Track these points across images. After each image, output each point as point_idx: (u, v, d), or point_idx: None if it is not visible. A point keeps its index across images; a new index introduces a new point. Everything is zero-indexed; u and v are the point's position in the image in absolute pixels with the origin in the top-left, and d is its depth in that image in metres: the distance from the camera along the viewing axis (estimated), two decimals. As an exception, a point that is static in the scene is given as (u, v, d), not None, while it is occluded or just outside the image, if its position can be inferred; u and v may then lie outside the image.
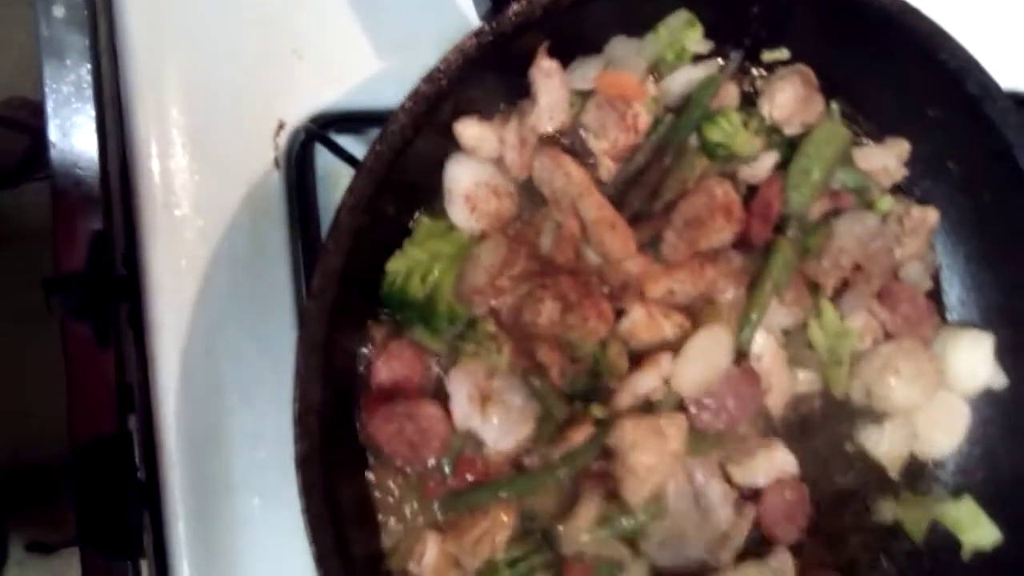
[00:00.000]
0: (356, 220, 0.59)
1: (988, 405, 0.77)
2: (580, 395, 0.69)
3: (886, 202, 0.76)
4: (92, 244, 0.86)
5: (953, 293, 0.80)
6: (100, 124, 0.88)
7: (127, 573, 0.84)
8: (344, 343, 0.66)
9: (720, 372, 0.70)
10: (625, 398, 0.68)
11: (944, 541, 0.75)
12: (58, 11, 0.92)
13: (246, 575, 0.75)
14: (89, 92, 0.90)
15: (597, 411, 0.68)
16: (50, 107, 0.91)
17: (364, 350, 0.68)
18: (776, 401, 0.73)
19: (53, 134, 0.91)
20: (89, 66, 0.91)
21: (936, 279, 0.80)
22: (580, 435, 0.67)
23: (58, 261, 0.89)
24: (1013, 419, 0.76)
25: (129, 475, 0.82)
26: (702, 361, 0.69)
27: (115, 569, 0.85)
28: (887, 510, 0.76)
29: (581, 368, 0.69)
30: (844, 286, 0.75)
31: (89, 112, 0.89)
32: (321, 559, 0.61)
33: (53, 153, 0.91)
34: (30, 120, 1.97)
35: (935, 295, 0.80)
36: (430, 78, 0.60)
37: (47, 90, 0.91)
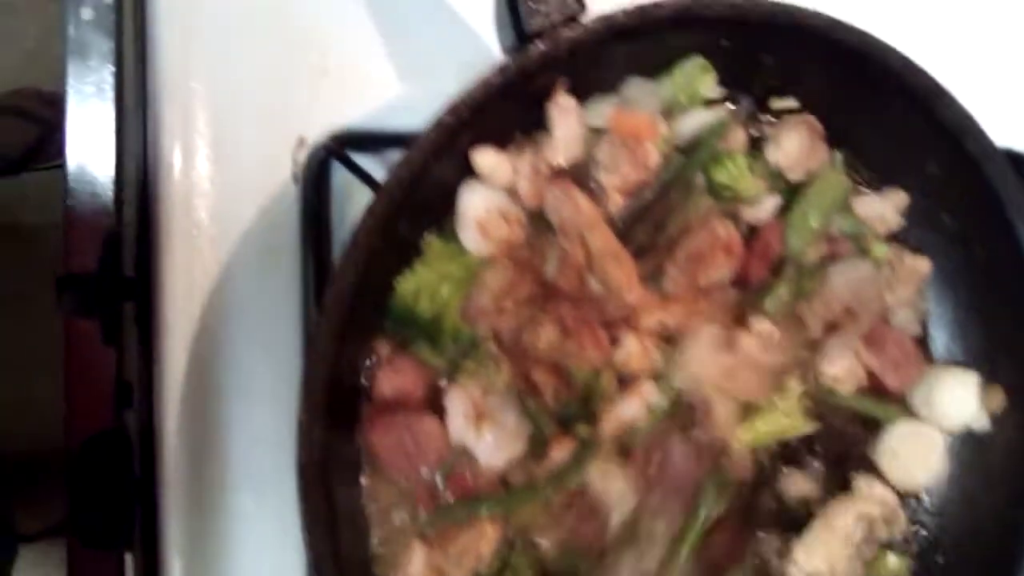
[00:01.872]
0: (373, 241, 0.61)
1: (968, 450, 0.80)
2: (571, 418, 0.71)
3: (881, 249, 0.79)
4: (105, 244, 0.88)
5: (940, 340, 0.82)
6: (119, 127, 0.90)
7: (113, 564, 0.86)
8: (350, 356, 0.67)
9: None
10: (610, 424, 0.70)
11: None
12: (86, 13, 0.94)
13: (236, 569, 0.77)
14: (110, 95, 0.92)
15: (582, 431, 0.70)
16: (71, 107, 0.92)
17: (368, 362, 0.70)
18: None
19: (71, 133, 0.92)
20: (112, 68, 0.93)
21: (924, 325, 0.82)
22: (560, 453, 0.69)
23: (69, 259, 0.90)
24: (991, 465, 0.78)
25: (125, 469, 0.83)
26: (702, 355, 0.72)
27: (102, 560, 0.87)
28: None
29: (574, 393, 0.71)
30: (832, 328, 0.77)
31: (109, 114, 0.91)
32: (317, 563, 0.62)
33: (69, 152, 0.93)
34: (40, 111, 1.98)
35: (923, 341, 0.82)
36: (453, 110, 0.62)
37: (69, 90, 0.93)
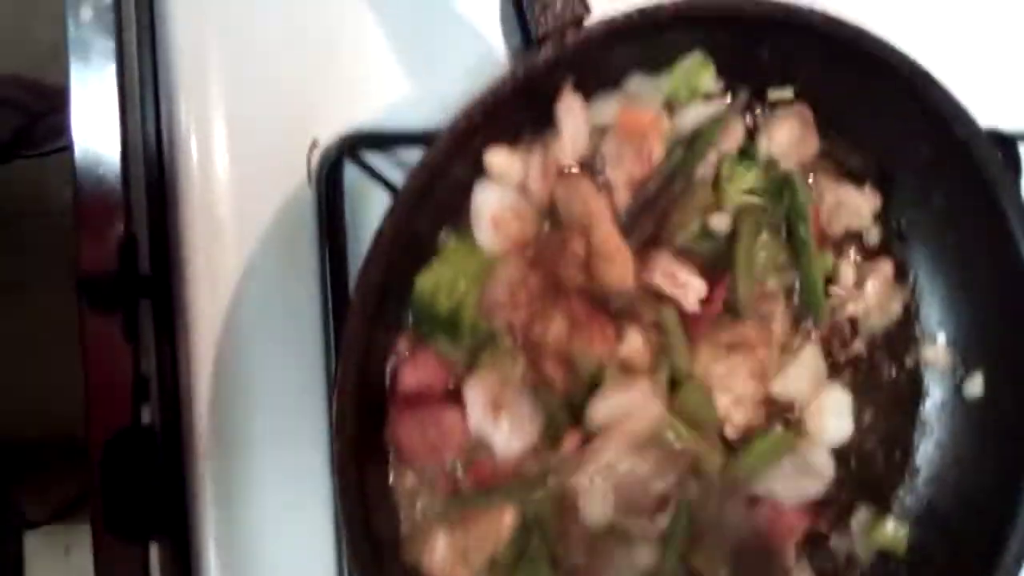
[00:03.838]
0: (394, 242, 0.64)
1: (962, 419, 0.84)
2: (578, 408, 0.74)
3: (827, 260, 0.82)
4: (121, 244, 0.90)
5: (931, 315, 0.86)
6: (123, 129, 0.91)
7: (138, 554, 0.89)
8: (376, 354, 0.70)
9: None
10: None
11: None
12: (86, 14, 0.95)
13: (268, 554, 0.81)
14: (115, 95, 0.93)
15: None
16: (74, 109, 0.94)
17: (391, 360, 0.73)
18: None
19: (77, 140, 0.94)
20: (114, 66, 0.94)
21: (915, 303, 0.86)
22: (572, 442, 0.73)
23: (83, 259, 0.92)
24: (983, 433, 0.83)
25: (152, 464, 0.86)
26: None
27: (132, 553, 0.90)
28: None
29: (581, 383, 0.74)
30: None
31: (113, 116, 0.93)
32: (354, 547, 0.66)
33: (78, 155, 0.94)
34: (22, 98, 1.98)
35: (914, 315, 0.86)
36: (467, 114, 0.64)
37: (72, 92, 0.94)
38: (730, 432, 0.78)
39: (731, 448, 0.78)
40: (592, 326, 0.73)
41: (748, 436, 0.78)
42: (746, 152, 0.79)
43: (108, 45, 0.94)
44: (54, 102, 0.95)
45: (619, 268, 0.74)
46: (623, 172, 0.74)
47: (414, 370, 0.72)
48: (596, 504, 0.73)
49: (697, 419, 0.75)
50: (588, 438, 0.72)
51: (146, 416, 0.92)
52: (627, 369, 0.74)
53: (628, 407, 0.72)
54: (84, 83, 0.95)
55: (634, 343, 0.74)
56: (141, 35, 0.90)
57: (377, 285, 0.64)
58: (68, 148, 0.96)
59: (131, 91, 0.92)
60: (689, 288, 0.75)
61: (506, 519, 0.73)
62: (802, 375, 0.80)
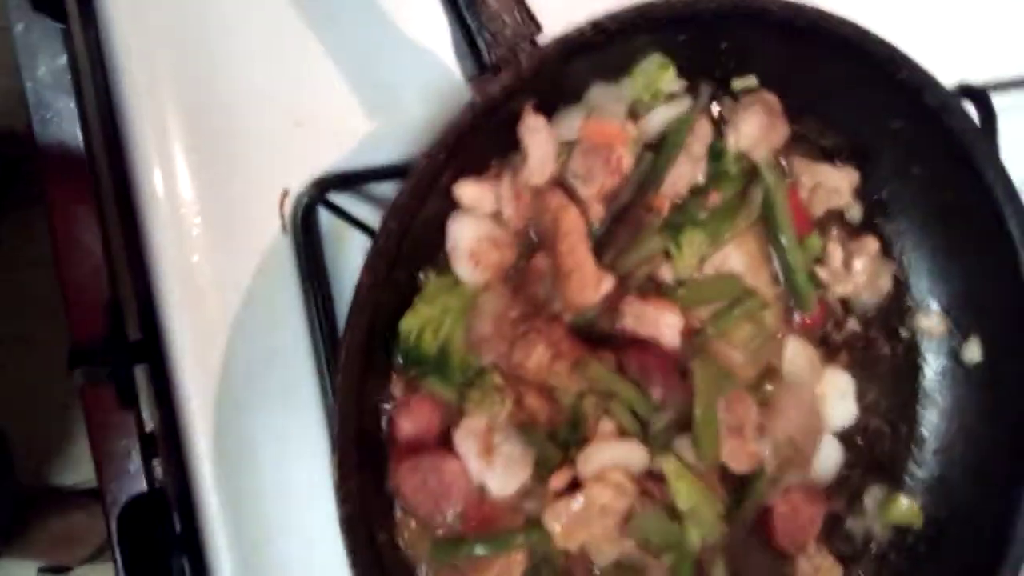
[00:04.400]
0: (374, 296, 0.64)
1: (964, 386, 0.84)
2: (564, 442, 0.74)
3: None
4: (106, 312, 0.89)
5: (922, 285, 0.86)
6: (98, 202, 0.91)
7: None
8: (370, 405, 0.70)
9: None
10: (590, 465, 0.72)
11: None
12: (42, 72, 0.94)
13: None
14: (81, 153, 0.92)
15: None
16: (48, 172, 0.93)
17: (386, 406, 0.72)
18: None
19: (53, 205, 0.93)
20: (77, 127, 0.94)
21: (904, 275, 0.85)
22: (560, 481, 0.72)
23: (74, 331, 0.92)
24: (987, 399, 0.83)
25: (167, 527, 0.86)
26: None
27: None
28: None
29: (562, 416, 0.74)
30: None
31: (85, 180, 0.92)
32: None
33: (56, 221, 0.94)
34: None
35: (904, 287, 0.85)
36: (430, 155, 0.63)
37: (42, 153, 0.93)
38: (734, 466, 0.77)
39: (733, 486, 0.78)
40: (573, 355, 0.72)
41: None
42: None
43: (69, 105, 0.94)
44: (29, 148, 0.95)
45: (582, 282, 0.72)
46: (594, 185, 0.73)
47: (409, 415, 0.71)
48: (600, 544, 0.73)
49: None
50: (578, 482, 0.72)
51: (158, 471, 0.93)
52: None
53: (619, 457, 0.72)
54: (51, 146, 0.94)
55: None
56: (99, 98, 0.89)
57: (363, 338, 0.64)
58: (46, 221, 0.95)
59: (98, 150, 0.92)
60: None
61: (516, 561, 0.73)
62: (796, 362, 0.80)
